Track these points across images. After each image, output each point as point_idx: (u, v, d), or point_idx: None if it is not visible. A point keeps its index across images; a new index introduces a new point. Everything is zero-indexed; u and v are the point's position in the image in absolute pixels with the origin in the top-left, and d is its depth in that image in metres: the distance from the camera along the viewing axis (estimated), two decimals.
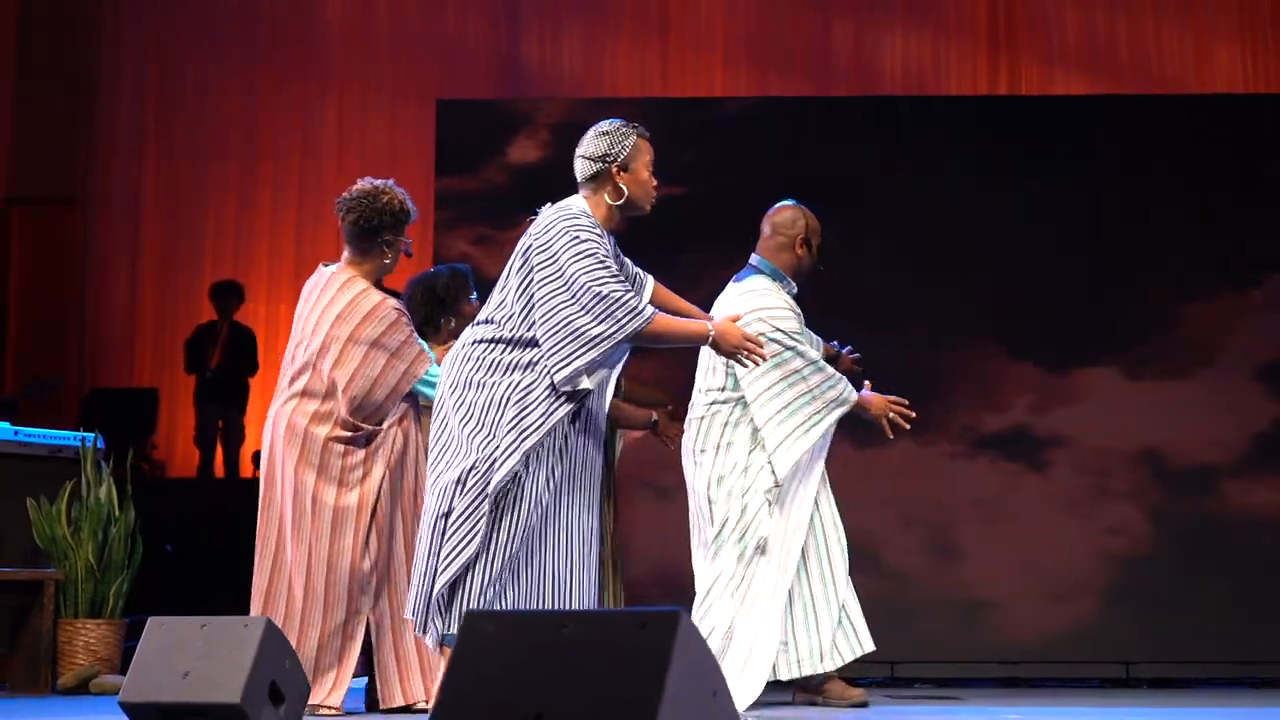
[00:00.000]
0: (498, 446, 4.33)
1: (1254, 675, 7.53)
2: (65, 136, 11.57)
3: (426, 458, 4.75)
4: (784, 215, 5.66)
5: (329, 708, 4.93)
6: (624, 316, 4.35)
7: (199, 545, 9.21)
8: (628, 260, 4.71)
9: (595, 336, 4.34)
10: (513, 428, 4.33)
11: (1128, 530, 7.75)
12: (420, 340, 5.22)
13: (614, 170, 4.54)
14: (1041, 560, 7.69)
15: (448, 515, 4.36)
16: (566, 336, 4.35)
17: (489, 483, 4.31)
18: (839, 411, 5.46)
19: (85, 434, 6.65)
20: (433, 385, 5.02)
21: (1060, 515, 7.75)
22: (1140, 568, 7.68)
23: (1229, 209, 7.95)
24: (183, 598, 7.86)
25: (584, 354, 4.34)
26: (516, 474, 4.33)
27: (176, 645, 3.95)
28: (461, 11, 11.60)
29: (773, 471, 5.38)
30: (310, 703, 4.70)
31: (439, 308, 5.57)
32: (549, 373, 4.35)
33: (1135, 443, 7.79)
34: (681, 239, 7.45)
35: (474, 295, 5.61)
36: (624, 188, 4.54)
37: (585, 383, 4.38)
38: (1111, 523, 7.75)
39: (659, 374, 6.90)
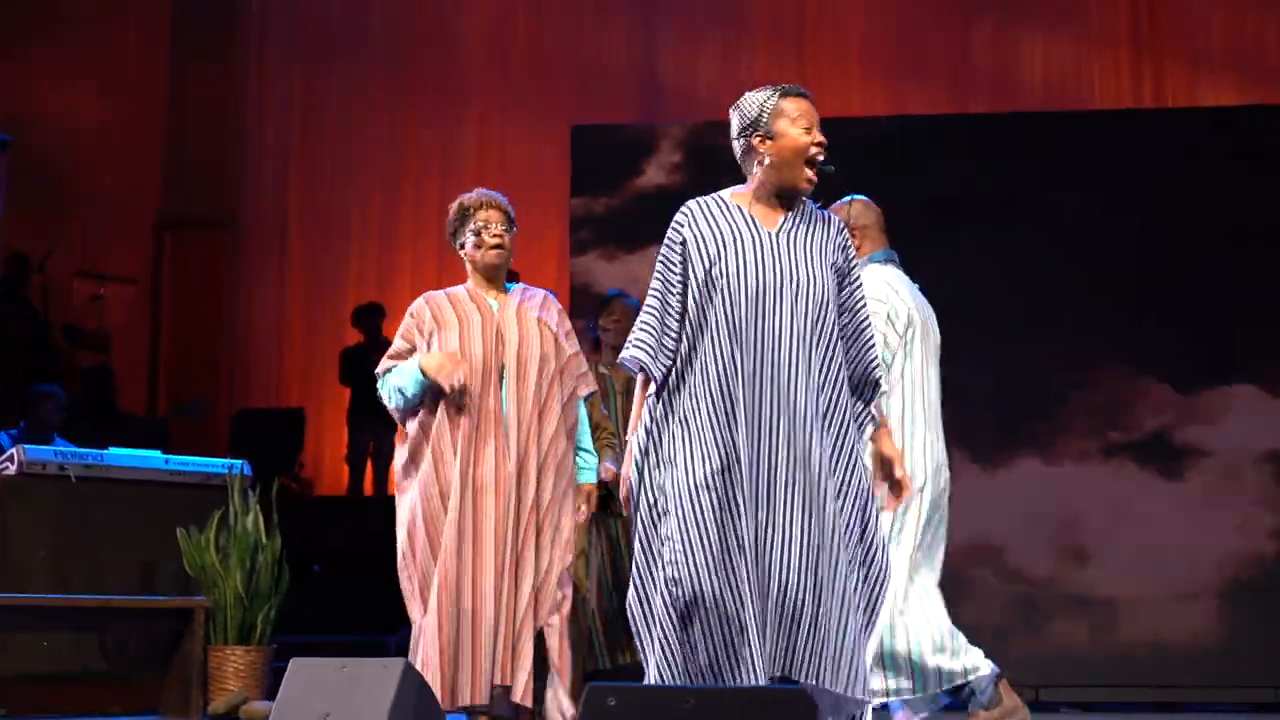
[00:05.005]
0: None
1: None
2: (214, 161, 11.85)
3: None
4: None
5: None
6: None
7: (347, 565, 9.36)
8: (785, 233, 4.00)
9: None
10: None
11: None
12: None
13: (755, 142, 3.99)
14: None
15: None
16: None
17: None
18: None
19: (233, 462, 6.79)
20: None
21: None
22: None
23: None
24: (331, 620, 8.01)
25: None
26: None
27: (317, 686, 4.03)
28: (599, 32, 11.69)
29: None
30: None
31: None
32: None
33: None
34: None
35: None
36: (768, 156, 3.97)
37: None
38: None
39: None
